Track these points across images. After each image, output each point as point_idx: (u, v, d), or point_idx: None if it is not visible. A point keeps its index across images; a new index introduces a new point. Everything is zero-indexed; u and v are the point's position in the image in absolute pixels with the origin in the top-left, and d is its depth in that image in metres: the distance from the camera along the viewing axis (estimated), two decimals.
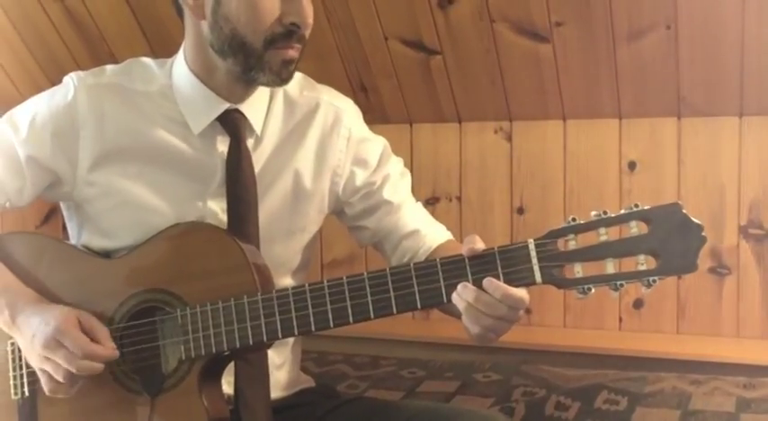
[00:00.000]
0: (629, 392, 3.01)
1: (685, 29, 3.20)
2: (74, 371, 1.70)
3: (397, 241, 2.02)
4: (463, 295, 1.60)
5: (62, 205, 2.02)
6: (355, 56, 3.65)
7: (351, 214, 2.04)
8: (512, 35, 3.41)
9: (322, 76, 2.00)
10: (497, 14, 3.37)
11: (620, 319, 3.59)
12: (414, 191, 2.11)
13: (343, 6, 3.49)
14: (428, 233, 2.02)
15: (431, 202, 3.80)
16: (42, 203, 4.02)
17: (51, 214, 4.29)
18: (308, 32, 1.83)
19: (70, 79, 1.91)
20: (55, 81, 4.05)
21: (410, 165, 3.79)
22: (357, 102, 2.10)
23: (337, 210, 2.06)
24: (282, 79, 1.85)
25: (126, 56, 3.91)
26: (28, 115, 1.91)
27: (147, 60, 1.99)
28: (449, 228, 3.79)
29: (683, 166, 3.46)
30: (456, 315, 1.69)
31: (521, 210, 3.70)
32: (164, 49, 3.88)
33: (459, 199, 3.79)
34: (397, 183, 2.06)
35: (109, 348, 1.73)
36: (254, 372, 1.86)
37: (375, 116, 3.66)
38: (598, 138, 3.57)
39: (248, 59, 1.80)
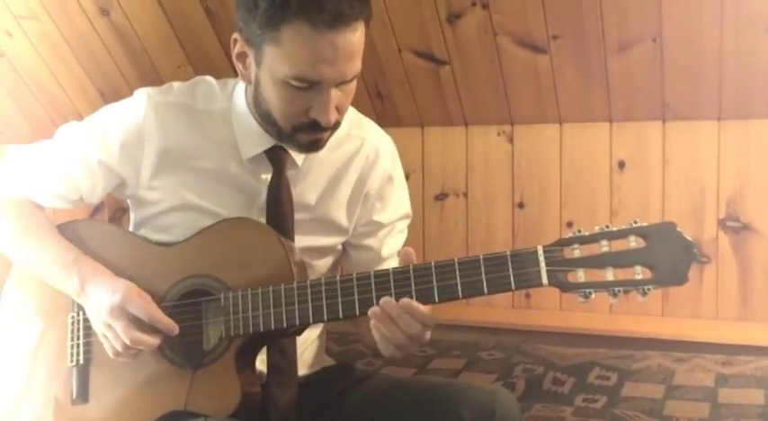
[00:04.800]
0: (618, 369, 3.03)
1: (669, 41, 3.21)
2: (127, 342, 1.73)
3: None
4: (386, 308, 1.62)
5: (129, 201, 2.03)
6: (372, 66, 3.67)
7: (347, 239, 2.04)
8: (513, 47, 3.43)
9: None
10: (500, 28, 3.39)
11: (611, 303, 3.59)
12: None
13: None
14: None
15: (440, 198, 3.82)
16: None
17: (98, 210, 4.31)
18: (340, 120, 1.80)
19: (141, 96, 1.91)
20: (100, 88, 4.14)
21: (421, 164, 3.85)
22: (373, 107, 2.08)
23: None
24: (311, 152, 1.86)
25: (165, 66, 3.99)
26: (102, 125, 1.92)
27: (212, 81, 1.97)
28: (456, 222, 3.84)
29: (667, 166, 3.47)
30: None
31: (521, 205, 3.72)
32: (199, 59, 3.91)
33: (465, 195, 3.81)
34: (396, 237, 2.05)
35: (167, 320, 1.75)
36: (284, 355, 1.87)
37: (390, 120, 3.67)
38: (591, 140, 3.58)
39: (280, 134, 1.78)
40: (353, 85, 1.79)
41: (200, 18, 3.81)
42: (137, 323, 1.74)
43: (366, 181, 1.98)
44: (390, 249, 2.04)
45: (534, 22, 3.32)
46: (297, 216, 1.90)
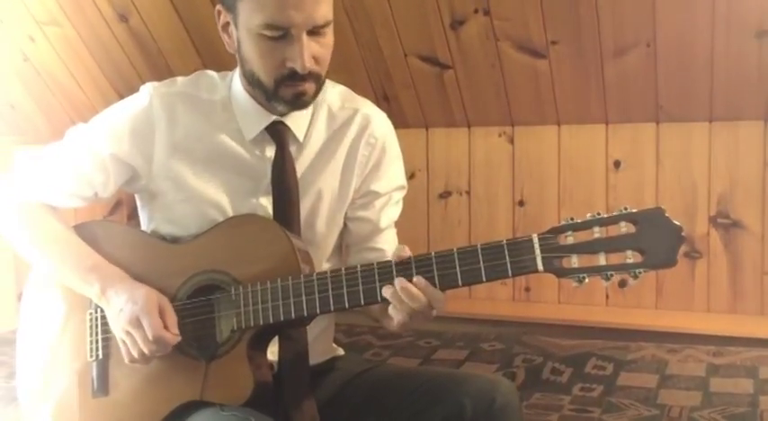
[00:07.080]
0: (614, 359, 3.04)
1: (663, 46, 3.22)
2: (146, 352, 1.74)
3: (362, 249, 2.00)
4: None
5: (137, 197, 2.03)
6: (379, 69, 3.68)
7: (346, 213, 2.02)
8: (514, 52, 3.44)
9: (349, 86, 2.01)
10: (501, 34, 3.40)
11: (607, 296, 3.62)
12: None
13: (368, 27, 3.52)
14: (390, 257, 1.99)
15: (444, 196, 3.83)
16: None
17: (117, 208, 4.33)
18: (319, 70, 1.80)
19: (147, 88, 1.92)
20: (119, 90, 4.16)
21: (426, 163, 3.86)
22: (380, 109, 2.07)
23: None
24: (298, 108, 1.85)
25: (180, 69, 4.00)
26: (111, 118, 1.93)
27: (212, 73, 1.98)
28: (460, 218, 3.85)
29: (660, 165, 3.49)
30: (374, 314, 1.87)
31: (521, 203, 3.73)
32: (213, 62, 3.90)
33: (468, 193, 3.82)
34: (393, 208, 2.03)
35: (174, 335, 1.75)
36: (295, 345, 1.88)
37: (395, 122, 3.64)
38: (588, 141, 3.60)
39: (266, 93, 1.79)
40: (329, 37, 1.80)
41: (215, 23, 3.82)
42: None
43: (358, 146, 1.97)
44: (388, 220, 2.02)
45: (534, 29, 3.33)
46: (300, 191, 1.91)
